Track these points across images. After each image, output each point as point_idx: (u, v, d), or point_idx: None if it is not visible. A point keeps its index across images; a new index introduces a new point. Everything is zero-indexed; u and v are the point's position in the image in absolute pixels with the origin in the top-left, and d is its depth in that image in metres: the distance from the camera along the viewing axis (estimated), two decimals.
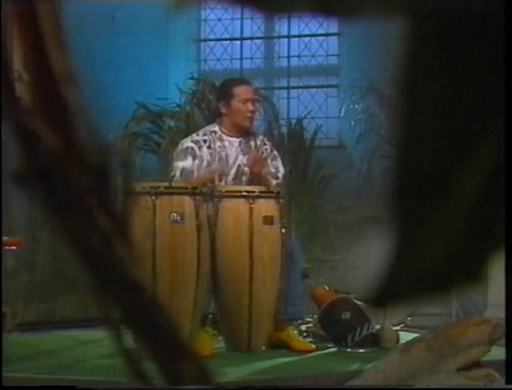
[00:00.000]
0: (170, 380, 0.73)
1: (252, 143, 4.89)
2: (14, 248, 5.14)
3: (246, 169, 4.80)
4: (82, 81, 0.68)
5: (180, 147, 4.85)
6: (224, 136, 4.85)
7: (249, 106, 4.83)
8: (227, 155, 4.82)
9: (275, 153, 5.03)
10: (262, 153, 4.88)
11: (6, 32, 0.67)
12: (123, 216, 0.66)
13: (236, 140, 4.86)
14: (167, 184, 4.43)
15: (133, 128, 6.69)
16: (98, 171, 0.67)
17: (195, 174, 4.73)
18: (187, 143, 4.84)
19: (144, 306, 0.72)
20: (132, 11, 7.26)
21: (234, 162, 4.83)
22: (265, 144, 4.98)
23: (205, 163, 4.76)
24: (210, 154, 4.79)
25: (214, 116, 5.17)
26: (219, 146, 4.82)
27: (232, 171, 4.81)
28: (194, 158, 4.75)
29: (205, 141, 4.82)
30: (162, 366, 0.73)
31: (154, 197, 4.26)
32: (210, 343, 4.40)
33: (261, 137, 5.03)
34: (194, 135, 4.93)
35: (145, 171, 6.13)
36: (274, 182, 4.84)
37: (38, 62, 0.65)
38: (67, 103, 0.66)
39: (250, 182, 4.72)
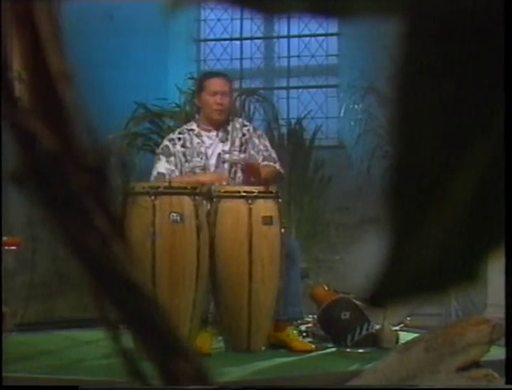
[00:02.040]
0: (168, 380, 0.73)
1: (229, 128, 4.84)
2: (14, 248, 5.14)
3: (227, 156, 4.77)
4: (81, 81, 0.68)
5: (159, 148, 4.89)
6: (202, 132, 4.82)
7: (217, 99, 4.76)
8: (205, 151, 4.77)
9: (259, 132, 5.00)
10: (244, 134, 4.83)
11: (5, 32, 0.67)
12: (121, 216, 0.66)
13: (213, 134, 4.82)
14: (166, 184, 4.43)
15: (133, 128, 6.69)
16: (96, 171, 0.67)
17: (173, 172, 4.71)
18: (164, 142, 4.87)
19: (142, 306, 0.72)
20: (132, 11, 7.26)
21: (213, 153, 4.79)
22: (245, 125, 4.92)
23: (177, 162, 4.73)
24: (184, 153, 4.75)
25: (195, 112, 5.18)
26: (198, 143, 4.78)
27: (213, 161, 4.77)
28: (168, 155, 4.74)
29: (179, 139, 4.80)
30: (160, 366, 0.73)
31: (153, 197, 4.26)
32: (209, 343, 4.40)
33: (240, 120, 4.99)
34: (171, 134, 4.95)
35: (144, 171, 6.13)
36: (277, 166, 4.81)
37: (36, 62, 0.65)
38: (65, 103, 0.66)
39: (250, 183, 4.70)
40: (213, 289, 4.45)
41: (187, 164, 4.74)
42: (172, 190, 4.36)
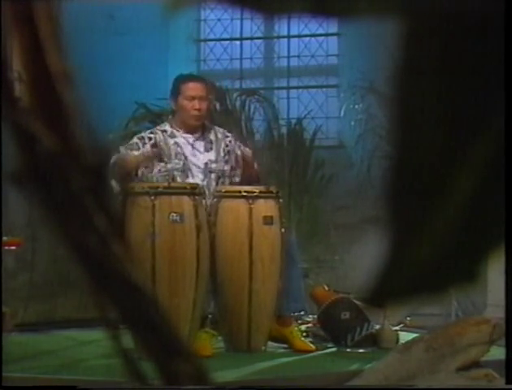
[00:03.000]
0: (168, 380, 0.73)
1: (212, 137, 4.78)
2: (14, 248, 5.14)
3: (214, 166, 4.70)
4: (81, 81, 0.68)
5: (126, 144, 4.74)
6: (176, 133, 4.73)
7: (196, 104, 4.68)
8: (183, 152, 4.69)
9: (238, 142, 4.93)
10: (227, 145, 4.77)
11: (5, 32, 0.67)
12: (121, 216, 0.66)
13: (190, 137, 4.74)
14: (166, 184, 4.43)
15: (133, 128, 6.68)
16: (96, 171, 0.67)
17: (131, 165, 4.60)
18: (133, 139, 4.74)
19: (142, 306, 0.72)
20: (132, 11, 7.26)
21: (195, 159, 4.71)
22: (226, 136, 4.85)
23: (152, 161, 4.63)
24: (154, 153, 4.65)
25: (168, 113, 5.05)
26: (173, 143, 4.69)
27: (199, 170, 4.69)
28: (135, 151, 4.64)
29: (150, 139, 4.70)
30: (160, 366, 0.73)
31: (153, 197, 4.26)
32: (209, 343, 4.40)
33: (221, 130, 4.89)
34: (142, 132, 4.85)
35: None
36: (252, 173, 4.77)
37: (36, 62, 0.65)
38: (65, 103, 0.66)
39: (232, 182, 4.69)
40: (213, 289, 4.45)
41: (162, 164, 4.65)
42: (172, 190, 4.36)
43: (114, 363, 0.76)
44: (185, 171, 4.67)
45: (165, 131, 4.75)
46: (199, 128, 4.77)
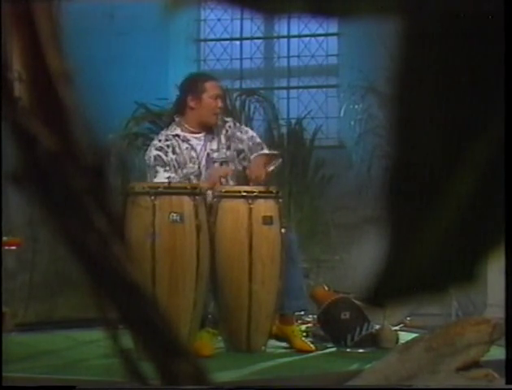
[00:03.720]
0: (168, 380, 0.73)
1: (216, 134, 4.75)
2: (14, 248, 5.15)
3: (216, 155, 4.69)
4: (81, 81, 0.68)
5: (147, 160, 4.69)
6: (188, 136, 4.71)
7: (219, 102, 4.70)
8: (197, 154, 4.69)
9: (238, 124, 4.92)
10: (227, 131, 4.74)
11: (5, 32, 0.67)
12: (121, 216, 0.66)
13: (201, 135, 4.73)
14: (166, 184, 4.43)
15: (133, 128, 6.69)
16: (96, 171, 0.67)
17: (174, 179, 4.58)
18: (153, 152, 4.67)
19: (142, 306, 0.72)
20: (132, 11, 7.26)
21: (203, 154, 4.72)
22: (225, 121, 4.79)
23: (172, 168, 4.63)
24: (176, 160, 4.64)
25: (174, 112, 4.92)
26: (187, 148, 4.68)
27: (203, 162, 4.71)
28: (164, 165, 4.62)
29: (168, 146, 4.67)
30: (160, 366, 0.73)
31: (153, 197, 4.26)
32: (210, 343, 4.40)
33: (219, 117, 4.79)
34: (156, 142, 4.74)
35: (144, 172, 6.12)
36: (266, 151, 4.73)
37: (36, 62, 0.65)
38: (65, 103, 0.66)
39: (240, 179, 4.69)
40: (213, 289, 4.45)
41: (179, 171, 4.64)
42: (172, 190, 4.36)
43: (113, 363, 0.76)
44: (200, 173, 4.68)
45: (177, 135, 4.71)
46: (211, 127, 4.75)
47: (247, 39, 7.84)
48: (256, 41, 7.85)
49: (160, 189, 4.31)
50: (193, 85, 4.77)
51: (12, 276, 5.67)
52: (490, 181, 0.57)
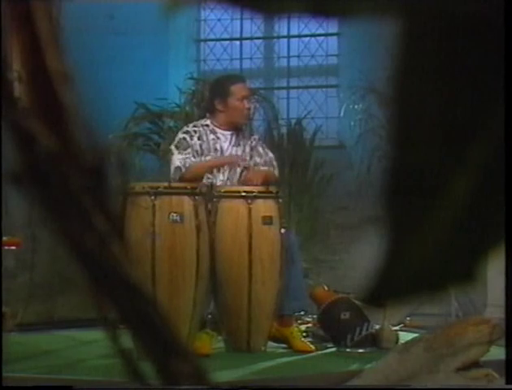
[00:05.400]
0: (168, 380, 0.73)
1: (241, 135, 4.93)
2: (14, 248, 5.15)
3: (240, 160, 4.87)
4: (81, 81, 0.68)
5: (174, 142, 4.88)
6: (217, 129, 4.86)
7: (246, 104, 4.85)
8: (221, 147, 4.84)
9: (261, 142, 5.09)
10: (252, 143, 4.92)
11: (5, 32, 0.67)
12: (121, 216, 0.66)
13: (228, 133, 4.88)
14: (166, 184, 4.44)
15: (133, 128, 6.69)
16: (95, 172, 0.67)
17: (191, 163, 4.74)
18: (179, 135, 4.87)
19: (142, 306, 0.72)
20: (132, 11, 7.26)
21: (227, 151, 4.86)
22: (252, 135, 5.06)
23: (194, 154, 4.78)
24: (200, 146, 4.80)
25: (205, 111, 5.18)
26: (213, 139, 4.83)
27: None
28: (186, 147, 4.77)
29: (195, 132, 4.83)
30: (160, 366, 0.73)
31: (153, 197, 4.26)
32: (209, 343, 4.40)
33: (247, 130, 5.13)
34: (185, 127, 4.97)
35: (144, 172, 6.13)
36: (275, 172, 4.90)
37: (36, 63, 0.65)
38: (64, 103, 0.66)
39: (248, 180, 4.75)
40: (213, 289, 4.45)
41: (201, 157, 4.78)
42: (172, 190, 4.36)
43: (113, 363, 0.76)
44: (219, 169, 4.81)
45: (206, 125, 4.87)
46: (241, 127, 4.94)
47: (247, 39, 7.84)
48: (256, 41, 7.85)
49: (160, 189, 4.31)
50: (219, 89, 4.92)
51: (12, 276, 5.67)
52: (490, 181, 0.57)
